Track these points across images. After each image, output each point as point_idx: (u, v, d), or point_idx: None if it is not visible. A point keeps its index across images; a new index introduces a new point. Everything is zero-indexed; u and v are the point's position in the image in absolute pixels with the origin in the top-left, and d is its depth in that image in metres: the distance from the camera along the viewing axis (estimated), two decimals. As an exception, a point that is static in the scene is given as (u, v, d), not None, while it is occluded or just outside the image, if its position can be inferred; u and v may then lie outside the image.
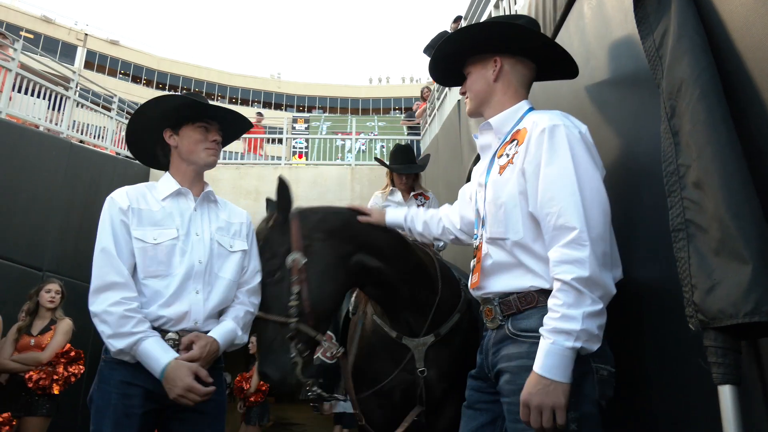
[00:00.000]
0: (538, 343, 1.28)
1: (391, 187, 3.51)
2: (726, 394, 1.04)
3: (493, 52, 1.59)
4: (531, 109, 1.57)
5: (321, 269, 1.85)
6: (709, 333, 1.06)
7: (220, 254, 1.84)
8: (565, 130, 1.37)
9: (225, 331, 1.77)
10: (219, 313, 1.83)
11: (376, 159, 3.91)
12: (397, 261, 2.04)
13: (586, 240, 1.23)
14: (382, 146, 11.51)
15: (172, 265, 1.73)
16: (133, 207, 1.76)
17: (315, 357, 2.50)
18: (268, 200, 2.13)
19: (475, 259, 1.55)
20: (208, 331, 1.76)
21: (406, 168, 3.46)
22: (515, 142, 1.48)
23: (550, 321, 1.25)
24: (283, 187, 1.90)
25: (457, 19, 7.80)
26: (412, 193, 3.50)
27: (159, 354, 1.61)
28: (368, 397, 2.27)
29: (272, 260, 1.87)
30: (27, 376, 3.88)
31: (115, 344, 1.60)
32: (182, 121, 1.89)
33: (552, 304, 1.26)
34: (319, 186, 8.54)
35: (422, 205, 3.43)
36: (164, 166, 1.98)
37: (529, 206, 1.37)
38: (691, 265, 1.11)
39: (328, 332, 2.64)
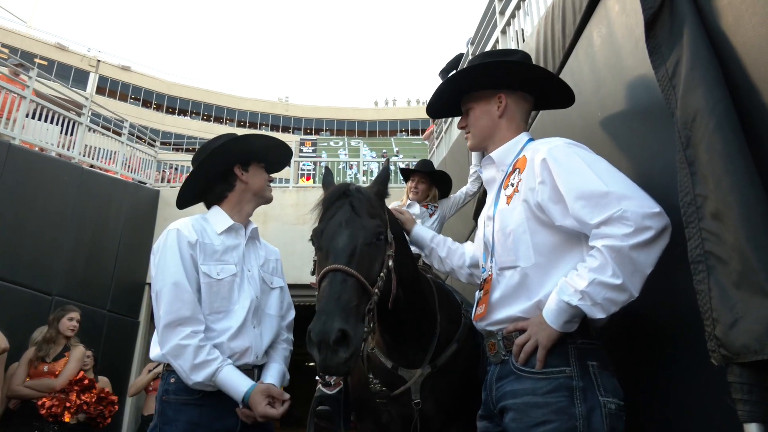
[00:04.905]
0: (542, 379, 1.31)
1: (408, 200, 3.50)
2: (753, 432, 1.01)
3: (495, 89, 1.62)
4: (531, 139, 1.59)
5: (397, 262, 1.73)
6: (734, 368, 1.04)
7: (264, 290, 1.92)
8: (563, 146, 1.42)
9: (280, 377, 1.88)
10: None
11: (401, 170, 3.76)
12: (409, 286, 1.92)
13: (629, 219, 1.23)
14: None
15: (231, 300, 1.78)
16: (200, 241, 1.78)
17: (317, 387, 2.48)
18: (327, 170, 2.02)
19: (482, 291, 1.54)
20: (263, 365, 1.86)
21: (421, 165, 3.57)
22: (517, 170, 1.51)
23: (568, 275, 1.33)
24: (387, 165, 1.96)
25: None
26: (421, 203, 3.51)
27: (239, 382, 1.68)
28: (368, 428, 2.22)
29: (377, 222, 1.68)
30: (39, 402, 3.86)
31: (194, 377, 1.64)
32: (250, 159, 1.94)
33: (579, 264, 1.33)
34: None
35: (433, 214, 3.49)
36: (211, 201, 1.96)
37: (557, 221, 1.36)
38: (712, 297, 1.09)
39: None
